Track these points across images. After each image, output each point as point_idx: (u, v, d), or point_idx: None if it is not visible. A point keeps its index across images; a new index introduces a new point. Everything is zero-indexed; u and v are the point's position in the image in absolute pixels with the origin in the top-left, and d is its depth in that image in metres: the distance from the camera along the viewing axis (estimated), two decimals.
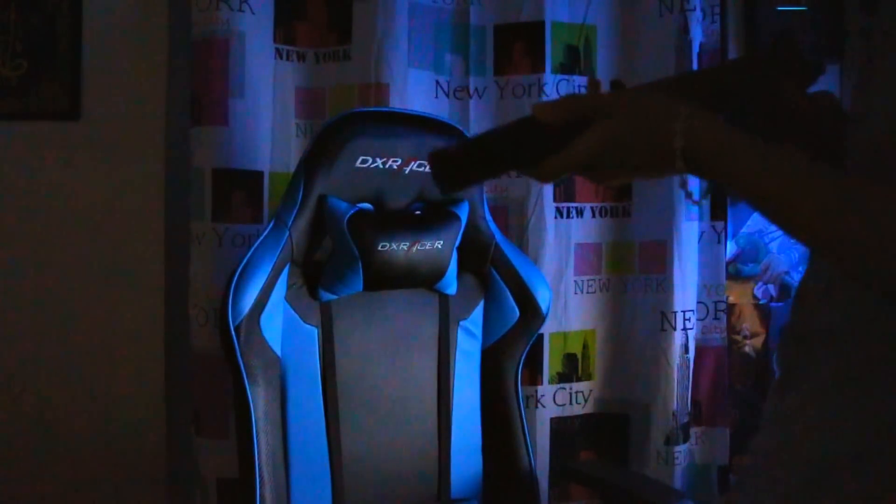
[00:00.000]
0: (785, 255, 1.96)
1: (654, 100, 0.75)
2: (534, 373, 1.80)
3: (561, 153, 0.75)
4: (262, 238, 1.37)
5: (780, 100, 0.79)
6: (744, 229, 1.96)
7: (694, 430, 1.88)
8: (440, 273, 1.48)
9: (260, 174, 1.68)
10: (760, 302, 1.98)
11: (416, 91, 1.72)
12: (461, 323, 1.56)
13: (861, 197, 0.62)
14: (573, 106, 0.76)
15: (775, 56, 0.83)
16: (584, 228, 1.83)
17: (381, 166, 1.43)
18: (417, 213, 1.49)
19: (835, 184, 0.65)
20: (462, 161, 0.80)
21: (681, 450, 1.83)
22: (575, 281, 1.83)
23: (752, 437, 0.76)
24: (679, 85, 0.84)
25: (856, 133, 0.69)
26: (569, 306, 1.83)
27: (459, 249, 1.52)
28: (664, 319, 1.81)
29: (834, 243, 0.64)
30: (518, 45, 1.78)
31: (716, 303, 1.89)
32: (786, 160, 0.67)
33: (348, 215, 1.38)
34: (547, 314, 1.61)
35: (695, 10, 1.79)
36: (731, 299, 1.95)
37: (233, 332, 1.30)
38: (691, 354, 1.85)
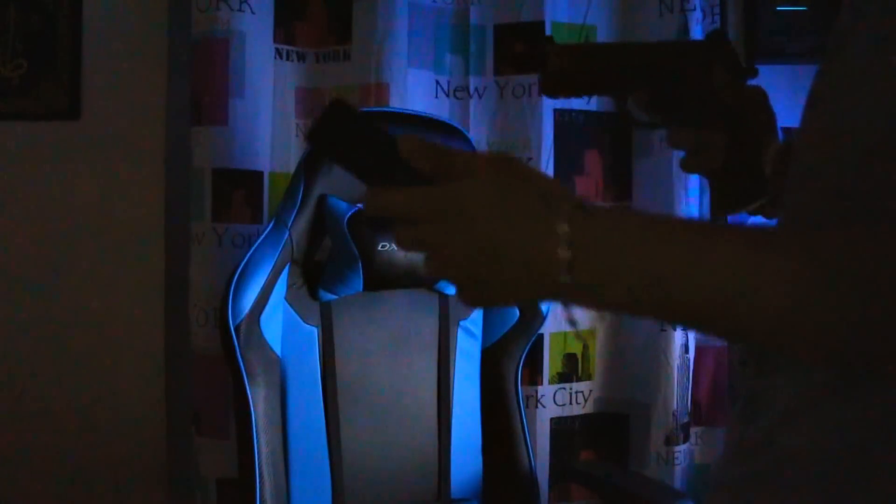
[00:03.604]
0: None
1: (532, 187, 0.57)
2: (534, 373, 1.80)
3: (391, 190, 0.60)
4: (262, 238, 1.37)
5: (709, 86, 0.80)
6: None
7: (694, 430, 1.88)
8: None
9: (260, 174, 1.68)
10: None
11: (416, 91, 1.72)
12: (461, 323, 1.56)
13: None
14: (435, 157, 0.60)
15: (709, 44, 0.85)
16: None
17: None
18: None
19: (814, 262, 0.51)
20: (339, 138, 0.66)
21: (681, 450, 1.83)
22: None
23: (716, 466, 0.70)
24: (616, 53, 0.85)
25: (811, 116, 0.64)
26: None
27: None
28: None
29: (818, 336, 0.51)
30: (518, 45, 1.78)
31: None
32: (721, 244, 0.53)
33: (348, 215, 1.38)
34: (547, 314, 1.61)
35: (695, 10, 1.79)
36: None
37: (233, 332, 1.30)
38: (691, 354, 1.85)
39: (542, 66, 0.76)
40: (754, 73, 0.84)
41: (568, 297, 0.56)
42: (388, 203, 0.59)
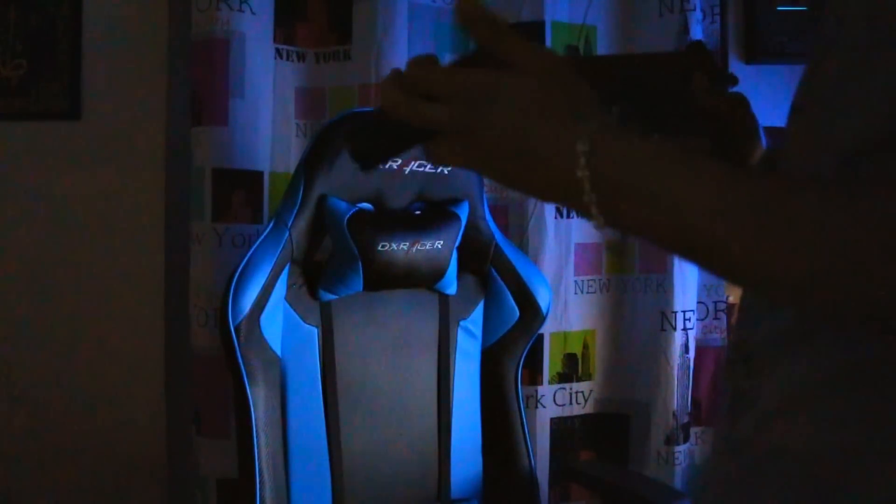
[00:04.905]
0: None
1: (570, 99, 0.58)
2: (534, 373, 1.80)
3: (436, 64, 0.60)
4: (262, 238, 1.37)
5: (688, 95, 0.81)
6: None
7: (694, 430, 1.88)
8: (440, 273, 1.48)
9: (260, 174, 1.68)
10: None
11: None
12: (461, 323, 1.56)
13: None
14: (496, 34, 0.59)
15: (688, 53, 0.86)
16: (584, 228, 1.83)
17: (380, 166, 1.43)
18: (417, 213, 1.49)
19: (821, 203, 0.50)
20: (378, 136, 0.67)
21: (681, 450, 1.83)
22: (575, 281, 1.83)
23: (705, 464, 0.69)
24: (594, 66, 0.85)
25: (797, 120, 0.64)
26: (569, 306, 1.83)
27: (459, 249, 1.52)
28: (664, 319, 1.81)
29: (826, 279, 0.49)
30: None
31: (716, 303, 1.89)
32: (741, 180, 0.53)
33: (348, 215, 1.39)
34: (547, 314, 1.61)
35: (695, 10, 1.79)
36: (731, 299, 1.94)
37: (233, 332, 1.30)
38: (691, 354, 1.85)
39: None
40: (734, 81, 0.85)
41: (588, 210, 0.56)
42: (429, 72, 0.59)
